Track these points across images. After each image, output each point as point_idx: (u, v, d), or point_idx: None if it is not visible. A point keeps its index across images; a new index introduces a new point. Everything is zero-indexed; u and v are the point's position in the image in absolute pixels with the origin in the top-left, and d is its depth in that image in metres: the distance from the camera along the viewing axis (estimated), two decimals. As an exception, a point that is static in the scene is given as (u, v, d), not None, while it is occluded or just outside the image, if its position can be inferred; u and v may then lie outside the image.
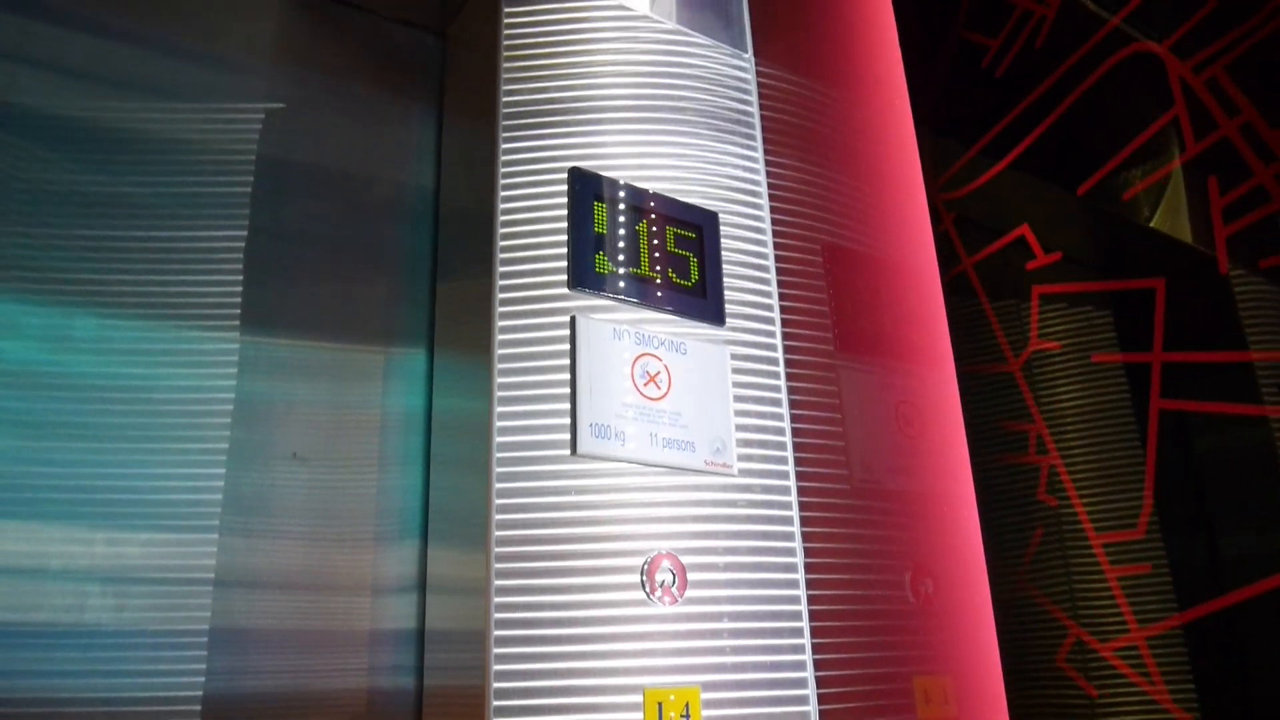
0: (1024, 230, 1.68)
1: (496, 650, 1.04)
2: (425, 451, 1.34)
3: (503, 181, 1.26)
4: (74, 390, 1.12)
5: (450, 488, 1.26)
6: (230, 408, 1.21)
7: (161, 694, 1.07)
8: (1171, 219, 1.47)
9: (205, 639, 1.11)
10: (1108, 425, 1.53)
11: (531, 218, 1.25)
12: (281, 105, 1.38)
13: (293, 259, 1.33)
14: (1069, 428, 1.59)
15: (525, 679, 1.05)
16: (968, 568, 1.37)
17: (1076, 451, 1.57)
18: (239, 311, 1.25)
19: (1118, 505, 1.50)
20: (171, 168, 1.26)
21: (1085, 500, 1.54)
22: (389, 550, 1.28)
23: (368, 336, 1.36)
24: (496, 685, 1.03)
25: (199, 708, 1.08)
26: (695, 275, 1.32)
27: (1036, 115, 1.69)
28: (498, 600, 1.07)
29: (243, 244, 1.28)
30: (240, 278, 1.27)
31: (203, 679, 1.09)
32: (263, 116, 1.36)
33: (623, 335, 1.22)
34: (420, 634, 1.26)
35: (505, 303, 1.20)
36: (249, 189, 1.31)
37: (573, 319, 1.20)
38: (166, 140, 1.27)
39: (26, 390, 1.09)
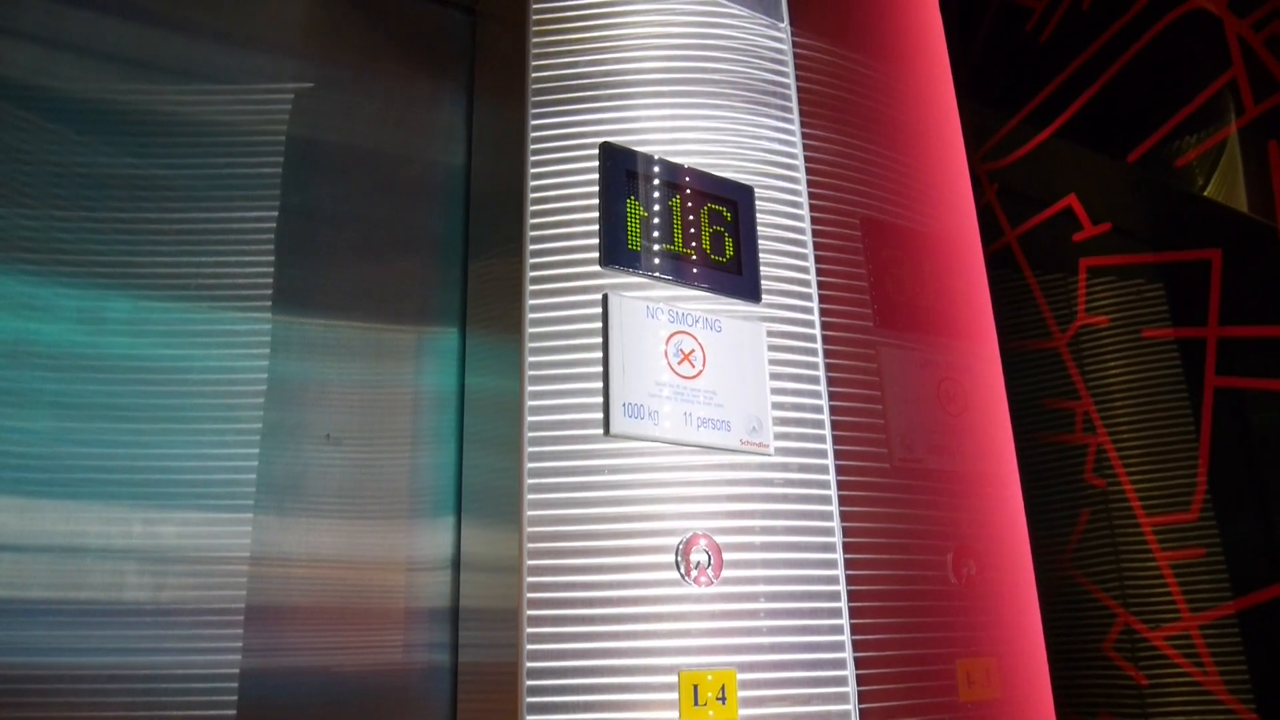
0: (1071, 200, 1.64)
1: (530, 630, 1.06)
2: (458, 430, 1.36)
3: (532, 159, 1.26)
4: (110, 371, 1.15)
5: (483, 466, 1.28)
6: (264, 388, 1.23)
7: (199, 671, 1.10)
8: (1228, 186, 1.43)
9: (241, 617, 1.14)
10: (1159, 403, 1.50)
11: (562, 195, 1.25)
12: (311, 85, 1.40)
13: (324, 239, 1.35)
14: (1118, 406, 1.56)
15: (559, 658, 1.06)
16: (1011, 550, 1.37)
17: (1126, 430, 1.54)
18: (271, 292, 1.27)
19: (1169, 486, 1.47)
20: (203, 149, 1.29)
21: (1135, 481, 1.51)
22: (423, 529, 1.30)
23: (400, 316, 1.38)
24: (530, 665, 1.05)
25: (236, 684, 1.11)
26: (730, 251, 1.32)
27: (1084, 80, 1.65)
28: (530, 580, 1.08)
29: (274, 224, 1.30)
30: (272, 258, 1.29)
31: (239, 656, 1.12)
32: (293, 97, 1.38)
33: (656, 313, 1.23)
34: (455, 612, 1.28)
35: (536, 281, 1.21)
36: (280, 169, 1.33)
37: (605, 297, 1.21)
38: (198, 122, 1.29)
39: (63, 372, 1.12)
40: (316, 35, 1.43)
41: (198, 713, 1.09)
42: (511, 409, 1.17)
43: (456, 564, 1.30)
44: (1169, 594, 1.45)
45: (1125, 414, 1.55)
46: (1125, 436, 1.54)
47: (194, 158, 1.28)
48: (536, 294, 1.20)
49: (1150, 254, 1.54)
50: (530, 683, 1.04)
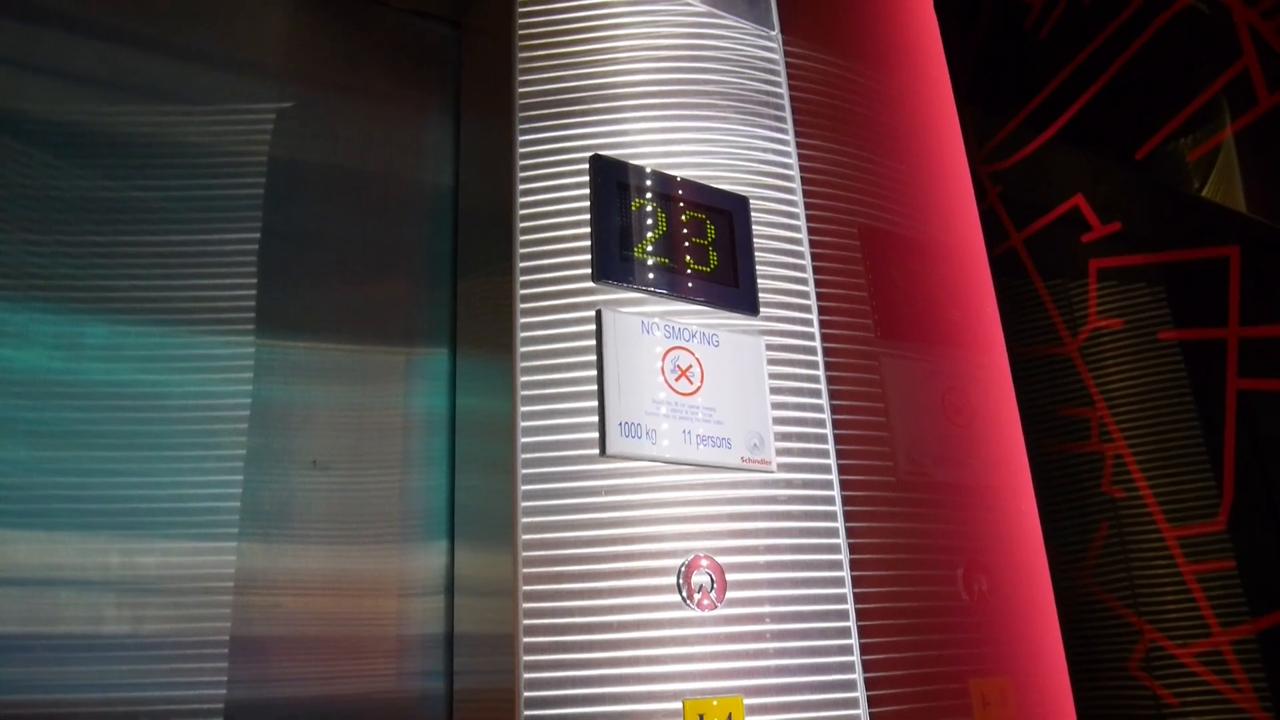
0: (1078, 200, 1.62)
1: (526, 657, 1.04)
2: (450, 453, 1.34)
3: (521, 174, 1.26)
4: (86, 398, 1.13)
5: (476, 489, 1.26)
6: (247, 413, 1.22)
7: (183, 706, 1.08)
8: (1244, 180, 1.40)
9: (227, 648, 1.12)
10: (1178, 408, 1.47)
11: (552, 210, 1.25)
12: (293, 104, 1.39)
13: (309, 261, 1.34)
14: (1135, 412, 1.52)
15: (558, 686, 1.04)
16: (1027, 564, 1.35)
17: (1144, 438, 1.51)
18: (254, 315, 1.26)
19: (1193, 495, 1.44)
20: (181, 171, 1.27)
21: (1156, 491, 1.48)
22: (415, 553, 1.29)
23: (388, 338, 1.37)
24: (527, 694, 1.03)
25: (221, 719, 1.09)
26: (726, 263, 1.31)
27: (1087, 77, 1.62)
28: (526, 605, 1.06)
29: (256, 246, 1.29)
30: (255, 280, 1.27)
31: (224, 690, 1.10)
32: (274, 116, 1.37)
33: (652, 328, 1.22)
34: (449, 638, 1.26)
35: (527, 298, 1.19)
36: (261, 190, 1.32)
37: (598, 313, 1.20)
38: (175, 143, 1.28)
39: (38, 399, 1.10)
40: (297, 53, 1.43)
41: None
42: (503, 430, 1.15)
43: (450, 589, 1.28)
44: (1197, 609, 1.41)
45: (1143, 420, 1.51)
46: (1144, 444, 1.51)
47: (172, 179, 1.27)
48: (528, 311, 1.19)
49: (1164, 253, 1.51)
50: (529, 713, 1.02)
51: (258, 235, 1.30)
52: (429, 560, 1.29)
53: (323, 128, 1.41)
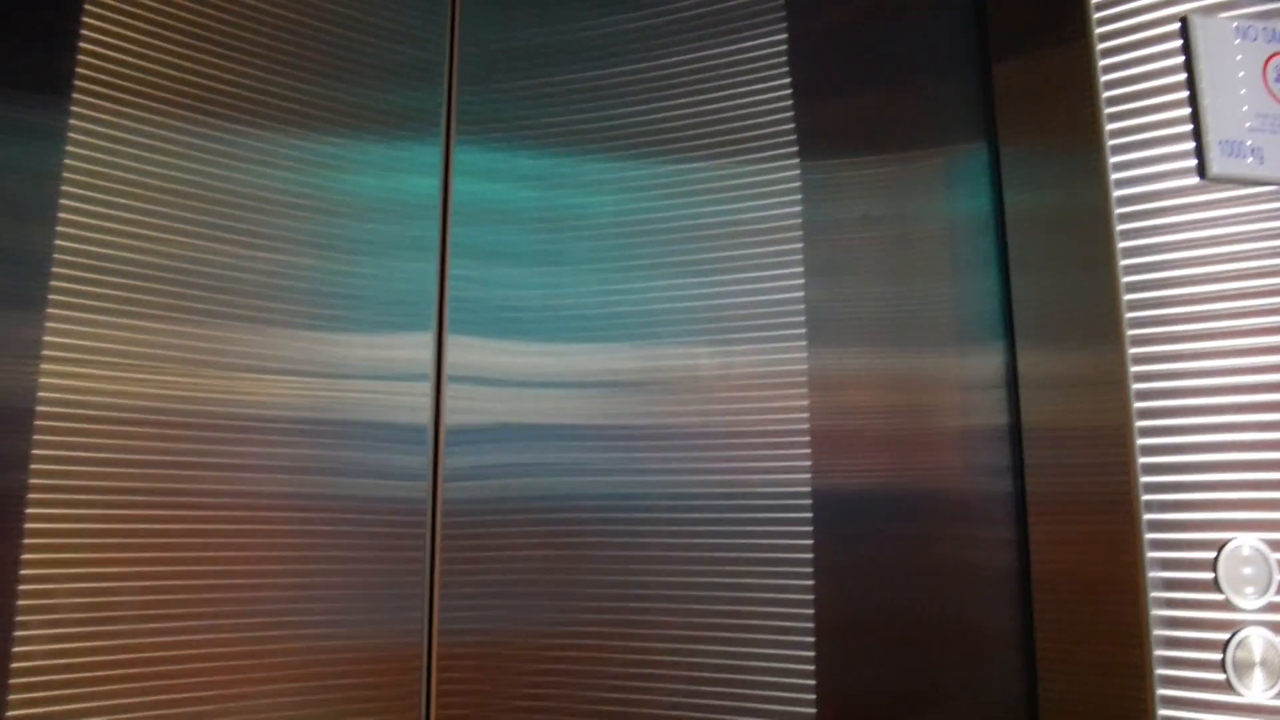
0: None
1: (1143, 460, 0.92)
2: (999, 255, 1.22)
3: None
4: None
5: (1052, 289, 1.13)
6: (800, 233, 1.18)
7: (775, 490, 1.11)
8: None
9: (808, 437, 1.14)
10: None
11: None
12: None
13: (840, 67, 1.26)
14: None
15: (1173, 491, 0.92)
16: None
17: None
18: (795, 135, 1.21)
19: None
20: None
21: None
22: (974, 352, 1.21)
23: (918, 142, 1.26)
24: (1146, 499, 0.91)
25: (809, 502, 1.11)
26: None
27: None
28: (1136, 387, 0.93)
29: (785, 58, 1.23)
30: (789, 94, 1.22)
31: (809, 475, 1.13)
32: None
33: (1247, 32, 1.00)
34: (1015, 430, 1.17)
35: (1107, 53, 1.02)
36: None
37: (1184, 21, 1.00)
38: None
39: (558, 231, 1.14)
40: None
41: (780, 529, 1.11)
42: (1089, 226, 1.02)
43: (1011, 384, 1.18)
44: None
45: None
46: None
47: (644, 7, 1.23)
48: (1110, 68, 1.01)
49: None
50: (1149, 517, 0.90)
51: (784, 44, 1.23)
52: (987, 359, 1.21)
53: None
